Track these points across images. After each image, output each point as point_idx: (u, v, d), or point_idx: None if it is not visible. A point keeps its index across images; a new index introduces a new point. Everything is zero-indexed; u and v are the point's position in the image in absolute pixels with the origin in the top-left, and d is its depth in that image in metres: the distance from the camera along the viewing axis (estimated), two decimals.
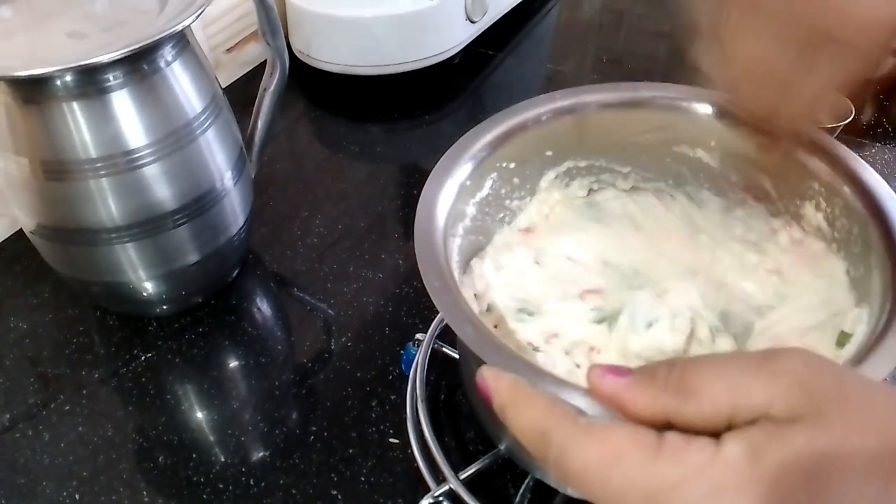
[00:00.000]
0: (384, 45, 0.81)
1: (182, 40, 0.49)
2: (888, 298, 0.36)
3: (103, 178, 0.47)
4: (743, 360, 0.24)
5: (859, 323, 0.38)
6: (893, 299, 0.35)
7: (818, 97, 0.37)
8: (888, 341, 0.33)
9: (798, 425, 0.21)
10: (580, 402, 0.28)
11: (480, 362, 0.33)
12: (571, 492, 0.42)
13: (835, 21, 0.33)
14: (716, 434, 0.23)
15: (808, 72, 0.36)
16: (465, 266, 0.46)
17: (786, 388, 0.22)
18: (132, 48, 0.43)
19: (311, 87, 0.87)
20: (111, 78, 0.45)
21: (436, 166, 0.43)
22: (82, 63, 0.42)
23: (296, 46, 0.86)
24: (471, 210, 0.45)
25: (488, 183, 0.46)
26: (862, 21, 0.33)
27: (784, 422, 0.21)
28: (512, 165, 0.47)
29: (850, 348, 0.37)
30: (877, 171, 0.41)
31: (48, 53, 0.44)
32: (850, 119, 0.72)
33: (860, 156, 0.42)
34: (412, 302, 0.59)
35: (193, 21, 0.46)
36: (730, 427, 0.23)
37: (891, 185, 0.40)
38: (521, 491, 0.45)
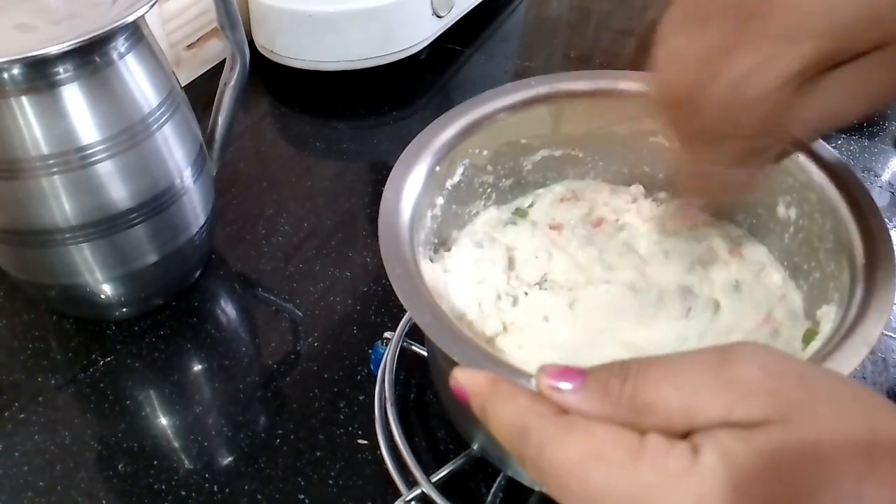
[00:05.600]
0: (349, 41, 0.80)
1: (136, 32, 0.47)
2: (858, 290, 0.35)
3: (56, 176, 0.45)
4: (697, 366, 0.23)
5: (826, 321, 0.38)
6: (864, 290, 0.35)
7: (760, 86, 0.29)
8: (856, 335, 0.33)
9: (767, 429, 0.21)
10: None
11: (447, 356, 0.32)
12: (546, 490, 0.42)
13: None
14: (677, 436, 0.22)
15: (740, 54, 0.29)
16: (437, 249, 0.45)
17: (744, 395, 0.22)
18: (82, 39, 0.41)
19: (275, 83, 0.86)
20: (62, 71, 0.43)
21: (404, 152, 0.42)
22: (30, 55, 0.40)
23: (259, 42, 0.84)
24: (441, 197, 0.44)
25: (460, 170, 0.45)
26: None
27: (752, 426, 0.21)
28: (485, 153, 0.46)
29: (816, 345, 0.37)
30: None
31: None
32: None
33: None
34: (381, 300, 0.58)
35: (146, 11, 0.44)
36: (689, 433, 0.22)
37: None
38: (492, 490, 0.44)
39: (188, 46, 0.83)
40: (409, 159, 0.42)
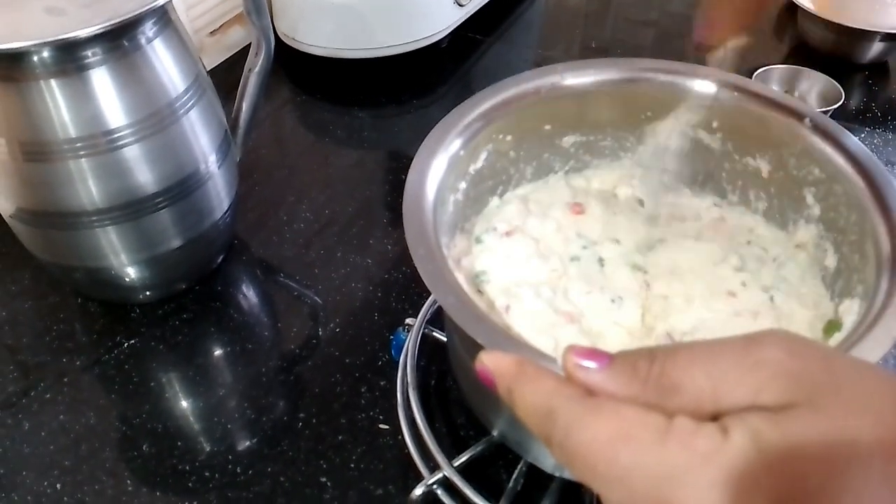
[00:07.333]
0: (371, 29, 0.80)
1: (164, 17, 0.47)
2: (882, 283, 0.35)
3: (83, 159, 0.46)
4: (724, 350, 0.23)
5: (849, 314, 0.38)
6: (889, 283, 0.35)
7: None
8: (879, 329, 0.32)
9: (795, 412, 0.21)
10: None
11: (469, 340, 0.32)
12: (567, 475, 0.42)
13: None
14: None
15: None
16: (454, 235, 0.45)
17: (770, 378, 0.22)
18: (112, 22, 0.42)
19: (296, 71, 0.86)
20: (90, 54, 0.44)
21: (428, 135, 0.42)
22: (60, 37, 0.41)
23: (281, 30, 0.84)
24: (463, 182, 0.44)
25: (483, 155, 0.45)
26: None
27: (779, 409, 0.21)
28: (509, 138, 0.46)
29: (839, 336, 0.37)
30: None
31: (25, 29, 0.43)
32: (839, 103, 0.72)
33: None
34: (402, 287, 0.58)
35: None
36: (715, 417, 0.22)
37: None
38: (513, 476, 0.44)
39: (211, 33, 0.83)
40: (434, 143, 0.42)
